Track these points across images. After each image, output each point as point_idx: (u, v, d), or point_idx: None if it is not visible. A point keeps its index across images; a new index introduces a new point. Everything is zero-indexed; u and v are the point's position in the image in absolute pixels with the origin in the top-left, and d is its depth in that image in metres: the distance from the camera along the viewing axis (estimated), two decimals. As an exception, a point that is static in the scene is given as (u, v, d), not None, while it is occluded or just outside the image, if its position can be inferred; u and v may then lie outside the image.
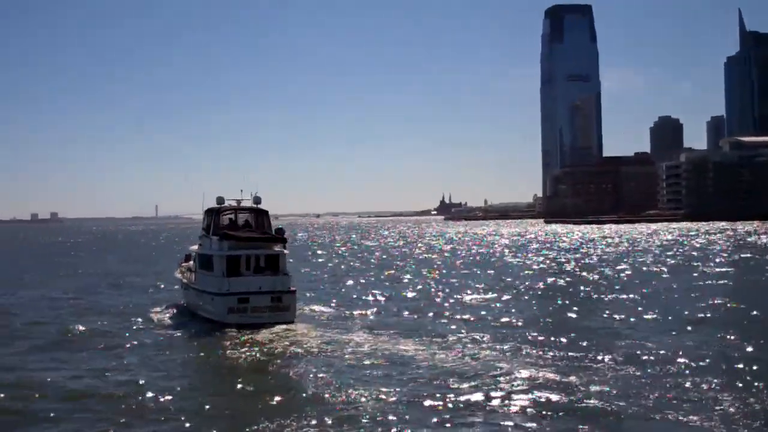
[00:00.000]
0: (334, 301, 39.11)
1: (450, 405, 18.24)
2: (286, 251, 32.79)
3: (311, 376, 21.81)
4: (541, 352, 24.20)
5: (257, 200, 34.73)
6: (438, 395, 18.96)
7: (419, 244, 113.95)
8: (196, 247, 36.50)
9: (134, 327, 31.92)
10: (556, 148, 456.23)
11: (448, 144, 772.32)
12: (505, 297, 40.15)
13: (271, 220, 34.31)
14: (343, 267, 67.24)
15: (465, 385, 19.94)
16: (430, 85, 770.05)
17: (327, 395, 19.40)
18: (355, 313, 34.50)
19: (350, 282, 50.83)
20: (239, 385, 21.12)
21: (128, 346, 27.41)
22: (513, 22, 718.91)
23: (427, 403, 18.45)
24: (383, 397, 19.03)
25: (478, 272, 57.73)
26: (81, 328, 31.16)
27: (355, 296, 41.95)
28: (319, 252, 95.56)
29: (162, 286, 48.21)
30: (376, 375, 21.58)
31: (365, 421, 17.26)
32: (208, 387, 21.84)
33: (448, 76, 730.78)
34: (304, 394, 19.84)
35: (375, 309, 35.96)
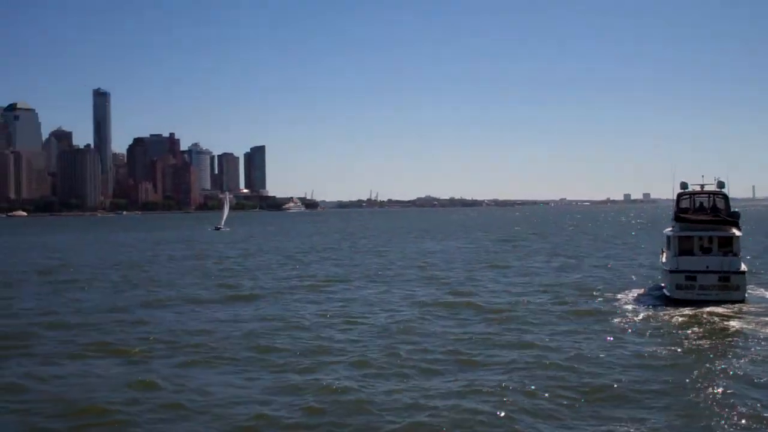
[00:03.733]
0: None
1: None
2: (738, 233, 33.97)
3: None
4: None
5: (721, 185, 36.76)
6: None
7: None
8: (669, 229, 39.88)
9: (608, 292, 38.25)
10: None
11: None
12: None
13: (730, 203, 35.91)
14: None
15: None
16: None
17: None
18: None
19: None
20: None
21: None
22: None
23: None
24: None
25: None
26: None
27: None
28: None
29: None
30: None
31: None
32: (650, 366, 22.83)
33: None
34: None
35: None
